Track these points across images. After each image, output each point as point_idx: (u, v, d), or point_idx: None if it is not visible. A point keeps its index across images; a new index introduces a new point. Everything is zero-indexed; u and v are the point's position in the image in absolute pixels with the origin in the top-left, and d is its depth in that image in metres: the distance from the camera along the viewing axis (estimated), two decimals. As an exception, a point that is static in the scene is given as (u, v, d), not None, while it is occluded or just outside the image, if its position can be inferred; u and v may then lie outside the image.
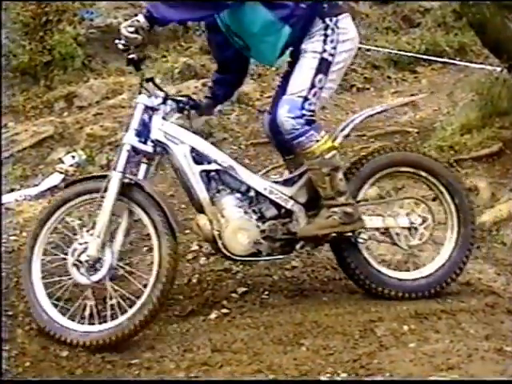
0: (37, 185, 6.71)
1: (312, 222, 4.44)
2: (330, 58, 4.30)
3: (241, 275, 5.00)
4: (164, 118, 4.43)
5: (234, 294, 4.74)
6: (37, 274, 4.34)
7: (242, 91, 8.77)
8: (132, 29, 4.05)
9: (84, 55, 9.58)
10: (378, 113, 4.91)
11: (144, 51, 4.25)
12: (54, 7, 9.67)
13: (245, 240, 4.34)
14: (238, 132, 8.00)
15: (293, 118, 4.23)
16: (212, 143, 4.55)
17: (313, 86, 4.28)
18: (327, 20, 4.30)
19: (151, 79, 4.50)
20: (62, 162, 6.95)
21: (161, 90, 4.55)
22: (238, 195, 4.43)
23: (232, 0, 4.20)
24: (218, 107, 5.19)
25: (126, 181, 4.25)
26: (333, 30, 4.30)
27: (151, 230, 4.25)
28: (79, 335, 4.16)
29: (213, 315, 4.48)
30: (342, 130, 4.61)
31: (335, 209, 4.37)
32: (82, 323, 4.23)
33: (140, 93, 4.44)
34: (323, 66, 4.30)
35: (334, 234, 4.42)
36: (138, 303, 4.16)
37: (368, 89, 10.05)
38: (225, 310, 4.52)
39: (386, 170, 4.64)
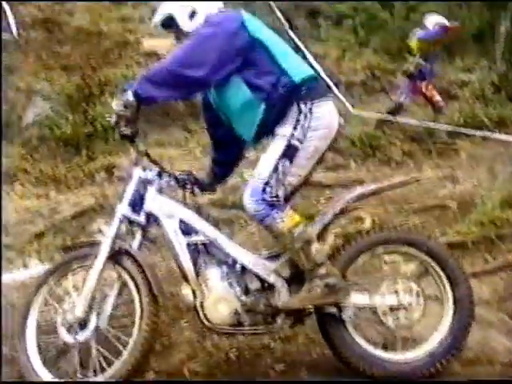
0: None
1: (294, 296, 4.41)
2: (297, 144, 4.30)
3: (279, 352, 4.93)
4: (160, 191, 4.58)
5: (272, 371, 4.68)
6: (31, 332, 4.53)
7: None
8: (121, 105, 4.21)
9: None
10: (373, 192, 4.85)
11: (136, 126, 4.33)
12: (96, 80, 9.92)
13: (225, 311, 4.38)
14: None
15: (255, 201, 4.28)
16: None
17: (275, 170, 4.30)
18: (301, 105, 4.31)
19: (146, 153, 4.64)
20: (102, 233, 6.99)
21: (156, 164, 4.69)
22: (224, 267, 4.48)
23: (212, 80, 4.31)
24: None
25: (116, 248, 4.44)
26: (306, 115, 4.30)
27: (135, 296, 4.42)
28: None
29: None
30: (333, 207, 4.57)
31: (316, 281, 4.32)
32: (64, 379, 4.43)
33: (135, 165, 4.60)
34: (289, 152, 4.30)
35: (311, 307, 4.39)
36: (115, 364, 4.33)
37: (407, 162, 10.02)
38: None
39: (377, 248, 4.56)
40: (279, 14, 12.96)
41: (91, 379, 4.35)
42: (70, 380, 4.44)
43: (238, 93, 4.38)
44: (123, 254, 4.49)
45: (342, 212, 4.62)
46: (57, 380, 4.44)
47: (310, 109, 4.31)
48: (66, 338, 4.42)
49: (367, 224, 7.38)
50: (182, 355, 4.72)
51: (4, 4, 11.88)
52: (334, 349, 4.49)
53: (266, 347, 5.00)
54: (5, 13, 11.73)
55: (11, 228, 7.47)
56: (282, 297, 4.42)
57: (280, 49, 4.44)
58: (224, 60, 4.28)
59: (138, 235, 4.56)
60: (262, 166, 4.35)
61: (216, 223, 4.63)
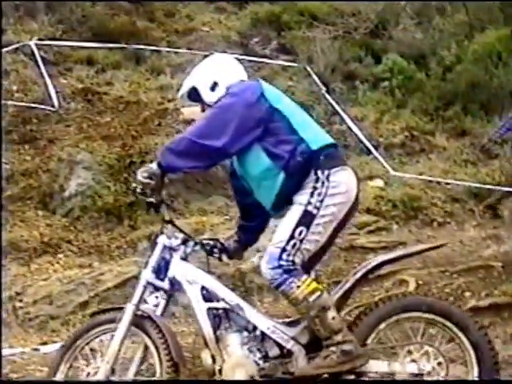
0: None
1: (310, 363, 4.41)
2: (314, 211, 4.37)
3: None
4: (185, 258, 4.71)
5: None
6: None
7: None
8: (145, 174, 4.39)
9: (167, 195, 9.77)
10: (395, 259, 4.87)
11: (161, 195, 4.55)
12: (137, 149, 10.02)
13: (242, 376, 4.40)
14: (319, 270, 7.97)
15: (271, 268, 4.35)
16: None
17: (292, 237, 4.36)
18: (319, 173, 4.41)
19: (171, 221, 4.78)
20: (146, 303, 6.98)
21: (182, 232, 4.83)
22: (244, 333, 4.53)
23: (232, 152, 4.51)
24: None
25: (139, 313, 4.57)
26: (323, 183, 4.39)
27: (156, 361, 4.52)
28: None
29: None
30: (355, 274, 4.60)
31: (333, 348, 4.32)
32: None
33: (161, 233, 4.74)
34: (306, 219, 4.38)
35: (327, 374, 4.35)
36: None
37: (449, 223, 9.92)
38: None
39: (397, 315, 4.51)
40: (316, 78, 13.04)
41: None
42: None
43: (258, 161, 4.50)
44: (146, 320, 4.58)
45: (364, 279, 4.65)
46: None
47: (328, 176, 4.42)
48: None
49: (411, 287, 7.34)
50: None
51: (45, 76, 12.12)
52: None
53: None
54: (46, 85, 11.96)
55: (55, 298, 7.52)
56: (299, 363, 4.44)
57: (298, 118, 4.59)
58: (244, 130, 4.43)
59: (163, 302, 4.68)
60: (279, 233, 4.44)
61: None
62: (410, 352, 4.44)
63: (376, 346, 4.50)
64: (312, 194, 4.39)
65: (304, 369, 4.40)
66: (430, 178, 10.87)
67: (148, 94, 11.90)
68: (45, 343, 6.55)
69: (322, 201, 4.38)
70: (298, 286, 4.32)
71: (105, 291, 7.58)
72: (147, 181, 4.41)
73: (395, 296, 4.65)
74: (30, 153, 10.86)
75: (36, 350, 5.81)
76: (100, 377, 4.48)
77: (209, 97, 4.72)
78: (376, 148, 11.64)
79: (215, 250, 4.99)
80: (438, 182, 10.86)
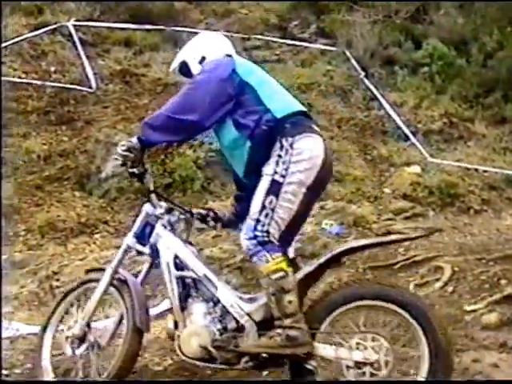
0: (156, 305, 6.78)
1: (255, 341, 4.47)
2: (280, 180, 4.44)
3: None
4: (171, 226, 4.85)
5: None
6: (47, 347, 5.03)
7: (359, 214, 8.79)
8: (124, 148, 4.57)
9: (203, 178, 9.80)
10: (364, 247, 4.88)
11: (143, 167, 4.72)
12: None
13: (196, 345, 4.51)
14: (355, 255, 7.95)
15: (247, 239, 4.43)
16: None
17: (264, 207, 4.44)
18: (283, 140, 4.48)
19: (155, 191, 4.97)
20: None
21: (167, 200, 5.04)
22: (210, 304, 4.62)
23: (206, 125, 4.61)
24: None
25: (118, 276, 4.87)
26: (287, 150, 4.47)
27: (125, 323, 4.80)
28: None
29: None
30: (320, 258, 4.54)
31: (279, 330, 4.36)
32: None
33: (147, 202, 4.95)
34: (274, 188, 4.44)
35: (266, 355, 4.39)
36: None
37: (486, 211, 9.86)
38: None
39: (352, 303, 4.45)
40: (354, 62, 12.99)
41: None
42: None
43: (228, 132, 4.65)
44: (123, 283, 4.87)
45: (328, 264, 4.58)
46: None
47: (292, 144, 4.48)
48: (67, 351, 4.88)
49: (447, 273, 7.29)
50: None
51: (83, 57, 12.18)
52: None
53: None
54: (83, 66, 12.02)
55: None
56: (249, 339, 4.50)
57: (267, 89, 4.68)
58: (216, 105, 4.56)
59: (145, 266, 4.92)
60: (253, 205, 4.50)
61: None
62: (363, 340, 4.37)
63: (328, 331, 4.46)
64: (277, 163, 4.47)
65: (248, 345, 4.48)
66: (467, 165, 10.80)
67: (181, 78, 11.87)
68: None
69: (287, 168, 4.45)
70: (267, 261, 4.38)
71: (139, 272, 7.59)
72: (126, 153, 4.58)
73: (351, 283, 4.61)
74: (68, 134, 10.93)
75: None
76: (75, 331, 4.85)
77: (197, 71, 4.83)
78: (414, 134, 11.58)
79: (208, 219, 5.16)
80: (476, 170, 10.79)
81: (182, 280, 4.70)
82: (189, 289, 4.70)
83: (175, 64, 5.05)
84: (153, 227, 4.87)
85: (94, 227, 8.94)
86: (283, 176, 4.45)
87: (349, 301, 4.45)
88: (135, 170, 4.68)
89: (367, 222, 8.76)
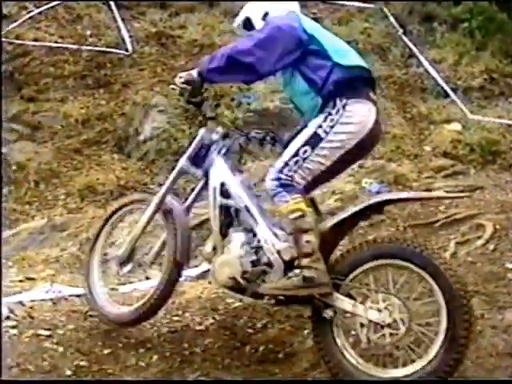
0: (197, 266, 6.80)
1: (272, 282, 4.56)
2: (322, 134, 4.49)
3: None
4: (226, 151, 4.96)
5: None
6: (96, 267, 5.32)
7: (399, 172, 8.73)
8: (183, 80, 4.73)
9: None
10: (400, 200, 4.99)
11: (202, 96, 4.90)
12: (212, 92, 9.97)
13: (227, 274, 4.64)
14: (395, 213, 7.90)
15: (271, 179, 4.55)
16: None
17: (296, 154, 4.52)
18: (337, 100, 4.50)
19: (213, 118, 5.14)
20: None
21: (224, 126, 5.23)
22: (249, 234, 4.71)
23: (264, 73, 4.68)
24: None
25: (164, 204, 5.02)
26: (338, 110, 4.49)
27: (165, 251, 5.10)
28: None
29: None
30: (353, 208, 4.58)
31: (297, 270, 4.43)
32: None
33: (203, 126, 5.13)
34: (313, 140, 4.50)
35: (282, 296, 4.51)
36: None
37: (528, 168, 9.75)
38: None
39: (376, 261, 4.42)
40: (392, 20, 12.81)
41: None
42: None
43: (298, 85, 4.68)
44: (169, 212, 5.01)
45: (364, 214, 4.60)
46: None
47: (345, 105, 4.50)
48: (113, 269, 5.31)
49: (488, 231, 7.24)
50: (305, 364, 4.69)
51: (118, 20, 12.14)
52: (315, 342, 4.57)
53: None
54: (119, 29, 12.00)
55: (132, 240, 7.61)
56: (272, 277, 4.57)
57: (334, 45, 4.69)
58: (283, 50, 4.56)
59: (196, 189, 5.10)
60: (287, 149, 4.61)
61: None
62: (383, 300, 4.35)
63: (349, 284, 4.46)
64: (325, 119, 4.50)
65: (266, 286, 4.57)
66: (509, 122, 10.64)
67: (222, 37, 11.82)
68: (123, 284, 6.64)
69: (332, 126, 4.48)
70: (287, 201, 4.47)
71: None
72: (184, 86, 4.74)
73: (376, 241, 4.54)
74: (105, 97, 10.96)
75: (114, 289, 5.89)
76: (119, 252, 5.17)
77: (261, 26, 4.84)
78: (454, 91, 11.42)
79: (267, 140, 5.17)
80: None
81: (226, 208, 4.79)
82: (231, 217, 4.79)
83: (239, 20, 5.06)
84: (208, 150, 4.98)
85: (133, 189, 8.96)
86: (326, 132, 4.48)
87: (372, 258, 4.44)
88: (193, 99, 4.87)
89: (407, 180, 8.71)
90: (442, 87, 11.42)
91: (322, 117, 4.51)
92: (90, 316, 5.42)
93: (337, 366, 4.41)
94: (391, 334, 4.31)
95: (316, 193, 6.81)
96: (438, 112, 10.85)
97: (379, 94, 10.77)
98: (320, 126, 4.49)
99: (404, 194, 5.15)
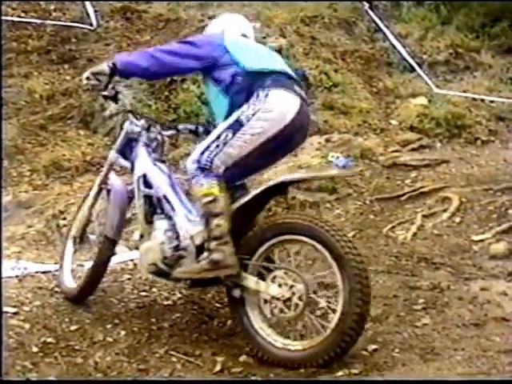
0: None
1: (181, 267, 4.84)
2: (244, 121, 4.67)
3: (370, 332, 4.91)
4: (151, 143, 5.25)
5: (364, 352, 4.65)
6: (70, 243, 5.68)
7: (366, 146, 8.76)
8: (91, 76, 4.92)
9: (208, 113, 9.73)
10: (300, 180, 5.41)
11: (114, 89, 5.06)
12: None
13: (148, 260, 4.92)
14: (362, 187, 7.95)
15: (192, 162, 4.75)
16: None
17: (218, 138, 4.72)
18: (260, 91, 4.70)
19: (130, 111, 5.72)
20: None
21: (146, 118, 5.53)
22: (171, 222, 4.93)
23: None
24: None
25: (106, 184, 5.44)
26: (260, 99, 4.67)
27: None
28: None
29: (342, 373, 4.37)
30: (254, 190, 4.73)
31: (205, 254, 4.66)
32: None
33: (126, 120, 5.49)
34: (234, 126, 4.69)
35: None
36: None
37: (493, 141, 9.81)
38: (355, 370, 4.40)
39: (280, 237, 4.62)
40: (359, -5, 12.81)
41: None
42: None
43: (210, 90, 4.99)
44: (108, 190, 5.40)
45: (267, 196, 4.84)
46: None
47: (267, 94, 4.69)
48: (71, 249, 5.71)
49: (454, 204, 7.32)
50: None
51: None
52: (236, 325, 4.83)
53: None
54: (84, 3, 11.86)
55: (98, 216, 7.57)
56: (187, 261, 4.82)
57: (246, 52, 4.96)
58: (196, 55, 4.87)
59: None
60: (210, 135, 4.86)
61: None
62: (283, 275, 4.55)
63: (254, 263, 4.66)
64: (248, 107, 4.68)
65: (177, 270, 4.83)
66: (474, 96, 10.71)
67: (188, 12, 11.74)
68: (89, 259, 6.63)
69: (254, 113, 4.65)
70: (201, 185, 4.67)
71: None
72: (93, 82, 4.93)
73: (277, 218, 4.78)
74: (70, 72, 10.80)
75: (81, 265, 5.88)
76: (75, 232, 5.59)
77: None
78: (420, 65, 11.46)
79: (200, 131, 5.56)
80: (483, 100, 10.71)
81: (149, 197, 5.05)
82: (155, 206, 5.02)
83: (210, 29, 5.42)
84: (132, 144, 5.28)
85: (99, 165, 8.88)
86: (248, 119, 4.66)
87: (273, 236, 4.62)
88: (107, 92, 5.01)
89: (374, 154, 8.75)
90: (408, 62, 11.44)
91: (245, 105, 4.70)
92: (57, 292, 5.42)
93: (256, 346, 4.62)
94: (291, 308, 4.51)
95: (283, 167, 6.89)
96: (404, 86, 10.87)
97: (345, 68, 10.82)
98: (242, 113, 4.68)
99: (298, 175, 5.59)
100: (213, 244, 4.58)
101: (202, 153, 4.71)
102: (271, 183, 4.64)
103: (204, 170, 4.67)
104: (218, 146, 4.67)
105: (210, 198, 4.61)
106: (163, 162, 5.29)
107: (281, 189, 4.80)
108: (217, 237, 4.57)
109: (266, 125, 4.64)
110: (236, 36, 5.12)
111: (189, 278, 4.84)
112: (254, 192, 4.68)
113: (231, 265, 4.57)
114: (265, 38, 10.33)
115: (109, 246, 5.25)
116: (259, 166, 5.01)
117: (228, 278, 4.64)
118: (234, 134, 4.66)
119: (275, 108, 4.65)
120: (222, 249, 4.56)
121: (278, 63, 5.00)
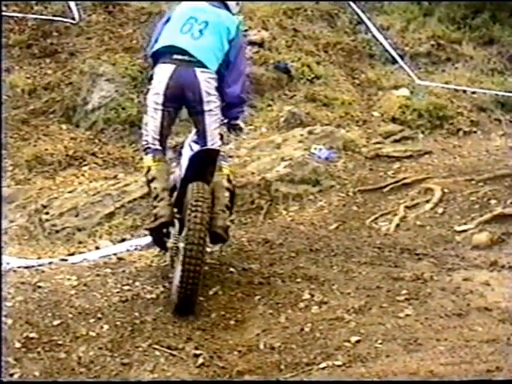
0: (147, 235, 6.79)
1: None
2: (147, 101, 5.84)
3: (353, 324, 4.92)
4: None
5: (346, 343, 4.66)
6: None
7: (348, 138, 8.77)
8: None
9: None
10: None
11: None
12: (160, 61, 9.89)
13: None
14: (345, 179, 7.97)
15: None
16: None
17: (144, 124, 5.97)
18: (155, 67, 5.78)
19: None
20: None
21: None
22: None
23: None
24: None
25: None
26: (152, 76, 5.80)
27: None
28: None
29: (325, 365, 4.40)
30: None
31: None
32: None
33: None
34: (144, 108, 6.06)
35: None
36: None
37: (475, 132, 9.87)
38: (338, 362, 4.42)
39: None
40: (341, -14, 12.79)
41: None
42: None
43: None
44: None
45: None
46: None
47: (152, 74, 5.78)
48: None
49: (437, 195, 7.34)
50: (256, 330, 4.76)
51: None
52: None
53: (340, 319, 5.00)
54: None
55: (81, 210, 7.56)
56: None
57: (168, 33, 5.83)
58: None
59: None
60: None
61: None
62: None
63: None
64: (148, 89, 5.90)
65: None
66: (456, 87, 10.74)
67: (170, 4, 11.69)
68: (72, 254, 6.61)
69: (147, 92, 5.89)
70: (143, 162, 6.10)
71: (130, 202, 7.62)
72: None
73: None
74: (52, 66, 10.77)
75: (64, 260, 5.87)
76: None
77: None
78: (402, 57, 11.46)
79: None
80: (464, 91, 10.75)
81: None
82: None
83: None
84: None
85: (81, 159, 8.91)
86: (146, 98, 5.86)
87: None
88: None
89: (356, 146, 8.78)
90: (390, 53, 11.45)
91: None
92: (39, 287, 5.39)
93: None
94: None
95: (266, 159, 6.91)
96: (386, 78, 10.89)
97: (328, 60, 10.84)
98: (146, 95, 5.99)
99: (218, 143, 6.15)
100: (154, 202, 5.57)
101: (141, 137, 6.14)
102: (196, 151, 5.62)
103: (144, 149, 5.85)
104: (144, 129, 5.87)
105: (145, 170, 5.76)
106: None
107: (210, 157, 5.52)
108: (154, 196, 5.59)
109: (154, 98, 5.67)
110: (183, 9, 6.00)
111: (148, 230, 5.82)
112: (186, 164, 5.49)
113: (164, 214, 5.46)
114: (247, 30, 10.31)
115: None
116: (172, 121, 5.86)
117: (164, 225, 5.51)
118: (145, 112, 5.84)
119: (155, 82, 5.69)
120: (158, 204, 5.53)
121: (176, 38, 5.77)
